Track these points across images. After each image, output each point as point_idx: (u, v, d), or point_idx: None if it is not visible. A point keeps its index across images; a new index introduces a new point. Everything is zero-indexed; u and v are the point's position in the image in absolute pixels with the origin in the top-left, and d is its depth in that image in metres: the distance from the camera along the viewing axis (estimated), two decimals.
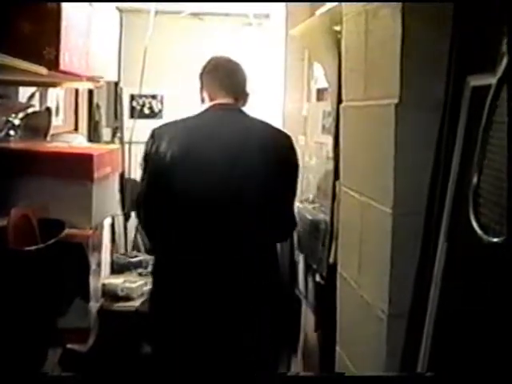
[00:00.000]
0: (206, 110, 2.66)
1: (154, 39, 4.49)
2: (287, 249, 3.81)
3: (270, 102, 4.52)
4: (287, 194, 2.59)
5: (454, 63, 1.65)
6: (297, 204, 3.53)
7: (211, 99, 2.66)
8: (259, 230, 2.48)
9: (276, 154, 2.51)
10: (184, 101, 4.84)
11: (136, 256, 4.15)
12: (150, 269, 3.95)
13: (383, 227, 1.80)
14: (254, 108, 4.76)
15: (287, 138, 2.65)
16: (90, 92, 4.25)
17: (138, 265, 4.03)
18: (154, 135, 2.59)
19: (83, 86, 3.53)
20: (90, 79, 2.81)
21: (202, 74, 2.75)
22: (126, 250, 4.50)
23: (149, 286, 3.49)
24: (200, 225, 2.45)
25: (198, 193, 2.45)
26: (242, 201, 2.44)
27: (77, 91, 3.97)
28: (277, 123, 4.23)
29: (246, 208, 2.45)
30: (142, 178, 2.62)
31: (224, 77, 2.68)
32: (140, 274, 3.94)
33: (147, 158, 2.58)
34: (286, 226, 2.68)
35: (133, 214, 4.23)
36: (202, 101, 2.72)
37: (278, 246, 2.90)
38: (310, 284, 3.15)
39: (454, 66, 1.65)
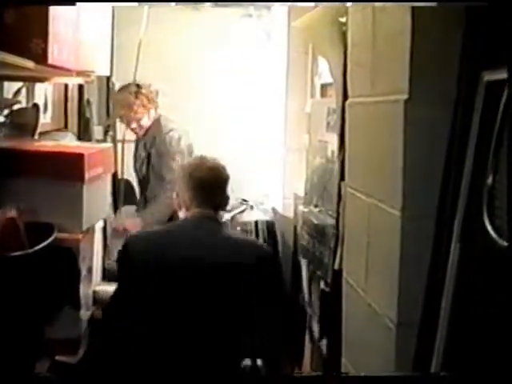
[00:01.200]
0: (182, 220, 2.62)
1: (148, 31, 4.49)
2: (290, 254, 3.81)
3: (270, 99, 4.52)
4: (268, 316, 2.52)
5: (468, 57, 1.65)
6: (300, 207, 3.53)
7: (187, 209, 2.58)
8: (225, 349, 2.47)
9: (252, 273, 2.45)
10: (180, 96, 4.85)
11: None
12: None
13: (392, 231, 1.80)
14: (254, 106, 4.79)
15: (268, 256, 2.57)
16: (80, 87, 4.24)
17: None
18: (126, 245, 2.60)
19: (73, 81, 3.52)
20: (81, 74, 2.81)
21: (176, 180, 2.69)
22: None
23: None
24: (165, 340, 2.45)
25: (167, 309, 2.44)
26: (210, 321, 2.43)
27: (66, 87, 3.96)
28: (278, 121, 4.24)
29: (214, 328, 2.43)
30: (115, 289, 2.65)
31: (200, 188, 2.54)
32: None
33: (119, 269, 2.60)
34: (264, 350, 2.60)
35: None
36: (179, 208, 2.63)
37: (280, 251, 2.88)
38: (315, 291, 3.15)
39: (467, 60, 1.65)
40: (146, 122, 4.40)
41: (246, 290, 2.45)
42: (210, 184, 2.55)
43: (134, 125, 4.42)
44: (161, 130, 4.31)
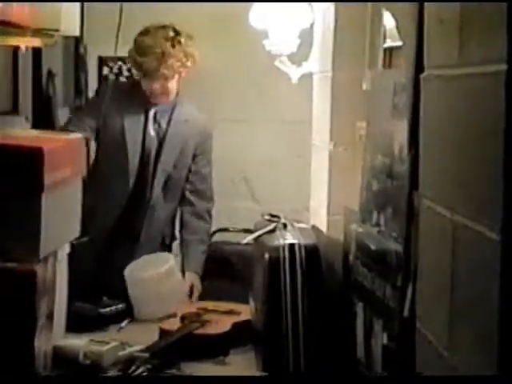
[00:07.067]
0: None
1: None
2: (337, 294, 3.80)
3: (309, 70, 4.52)
4: None
5: None
6: (354, 226, 3.52)
7: None
8: None
9: None
10: None
11: (109, 305, 4.15)
12: (126, 323, 3.95)
13: (488, 261, 1.79)
14: (284, 81, 4.79)
15: None
16: (38, 53, 4.26)
17: (112, 318, 4.03)
18: None
19: (26, 44, 3.53)
20: (38, 33, 2.82)
21: None
22: (95, 294, 4.50)
23: (129, 350, 3.48)
24: None
25: None
26: None
27: (16, 52, 3.98)
28: (321, 103, 4.24)
29: None
30: None
31: None
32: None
33: None
34: None
35: None
36: None
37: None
38: (375, 349, 3.14)
39: None
40: (173, 87, 4.33)
41: None
42: None
43: (157, 85, 4.27)
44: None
